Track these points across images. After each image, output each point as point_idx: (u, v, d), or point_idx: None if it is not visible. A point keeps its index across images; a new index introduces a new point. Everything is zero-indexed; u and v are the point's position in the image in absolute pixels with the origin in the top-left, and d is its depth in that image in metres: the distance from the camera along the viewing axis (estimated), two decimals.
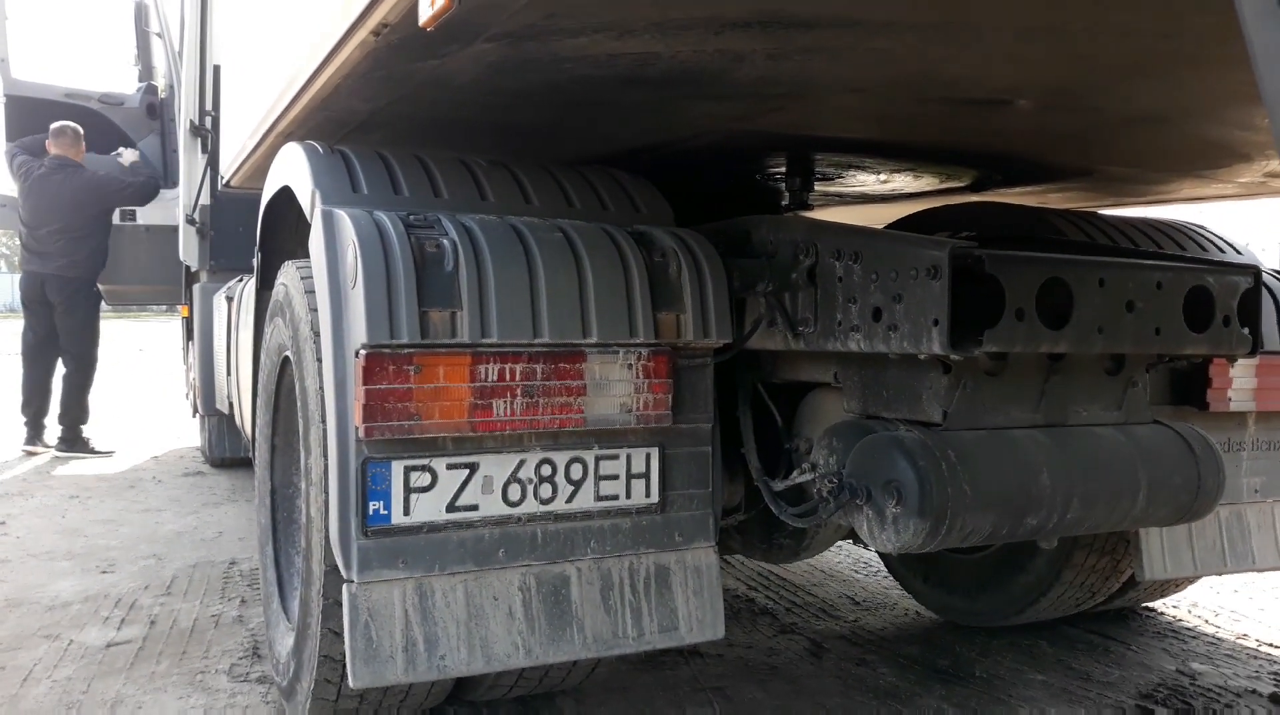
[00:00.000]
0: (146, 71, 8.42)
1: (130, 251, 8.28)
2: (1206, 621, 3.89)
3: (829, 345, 2.42)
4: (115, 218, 8.09)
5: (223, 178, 4.72)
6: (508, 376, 2.17)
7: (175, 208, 8.21)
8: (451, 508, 2.19)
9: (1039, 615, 3.52)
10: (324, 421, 2.25)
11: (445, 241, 2.20)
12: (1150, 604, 3.92)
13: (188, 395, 8.14)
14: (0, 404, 9.14)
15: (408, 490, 2.15)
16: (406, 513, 2.16)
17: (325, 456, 2.22)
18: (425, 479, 2.17)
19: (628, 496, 2.36)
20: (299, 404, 2.54)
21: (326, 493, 2.22)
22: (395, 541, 2.15)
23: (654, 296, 2.33)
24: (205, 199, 6.30)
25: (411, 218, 2.27)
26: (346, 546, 2.12)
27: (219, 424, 6.66)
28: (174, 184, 8.23)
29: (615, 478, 2.34)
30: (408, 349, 2.08)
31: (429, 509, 2.17)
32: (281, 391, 3.11)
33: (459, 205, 2.47)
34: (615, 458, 2.34)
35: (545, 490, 2.28)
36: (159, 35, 8.36)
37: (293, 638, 2.67)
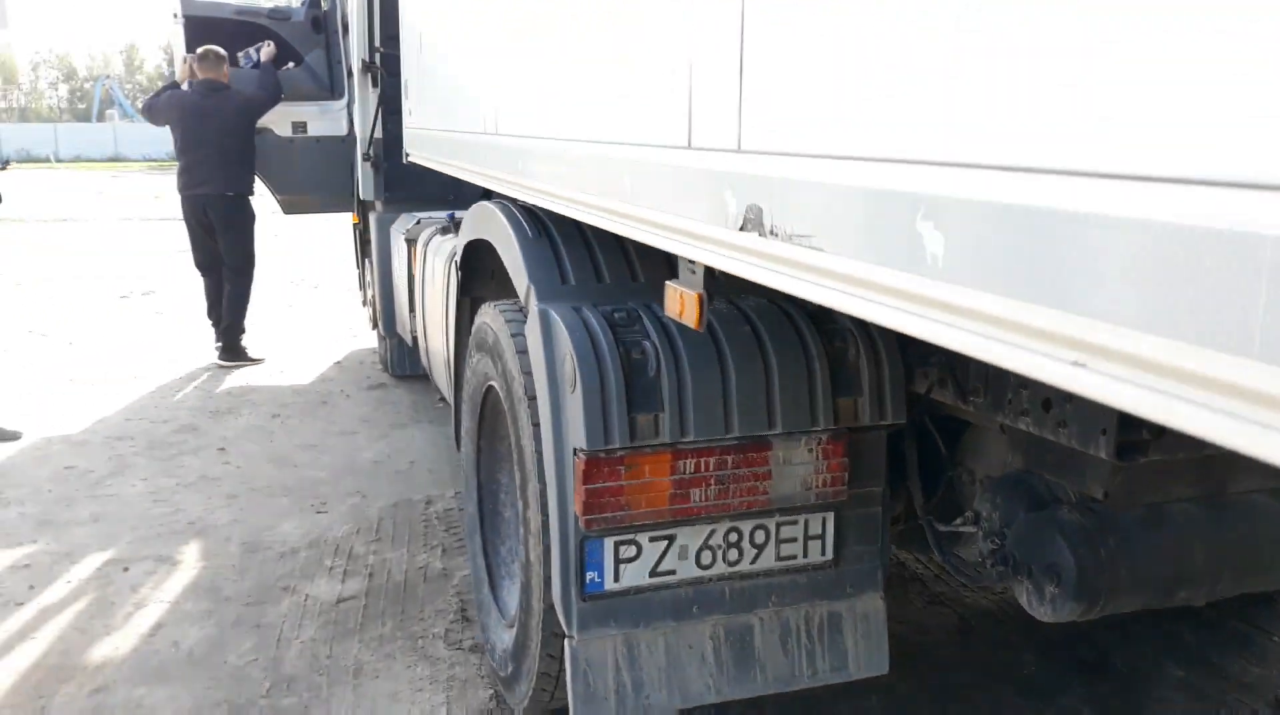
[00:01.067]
0: None
1: (303, 161, 8.72)
2: None
3: (998, 418, 2.59)
4: (288, 130, 8.56)
5: (406, 154, 5.00)
6: (703, 468, 2.44)
7: (342, 118, 8.64)
8: (653, 573, 2.52)
9: (1183, 603, 3.69)
10: (543, 490, 2.58)
11: (647, 345, 2.44)
12: None
13: (364, 303, 8.71)
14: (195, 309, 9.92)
15: (617, 561, 2.49)
16: (616, 580, 2.50)
17: (546, 529, 2.57)
18: (631, 551, 2.49)
19: (805, 555, 2.64)
20: (514, 453, 2.88)
21: (548, 561, 2.58)
22: (608, 604, 2.50)
23: (834, 383, 2.53)
24: (379, 133, 6.62)
25: (616, 315, 2.51)
26: (568, 609, 2.48)
27: (399, 344, 7.16)
28: (340, 95, 8.63)
29: (794, 540, 2.62)
30: (619, 452, 2.37)
31: (635, 575, 2.51)
32: (486, 407, 3.46)
33: (653, 288, 2.69)
34: (794, 523, 2.61)
35: (732, 554, 2.58)
36: None
37: (509, 639, 3.10)
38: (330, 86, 8.66)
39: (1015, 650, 3.63)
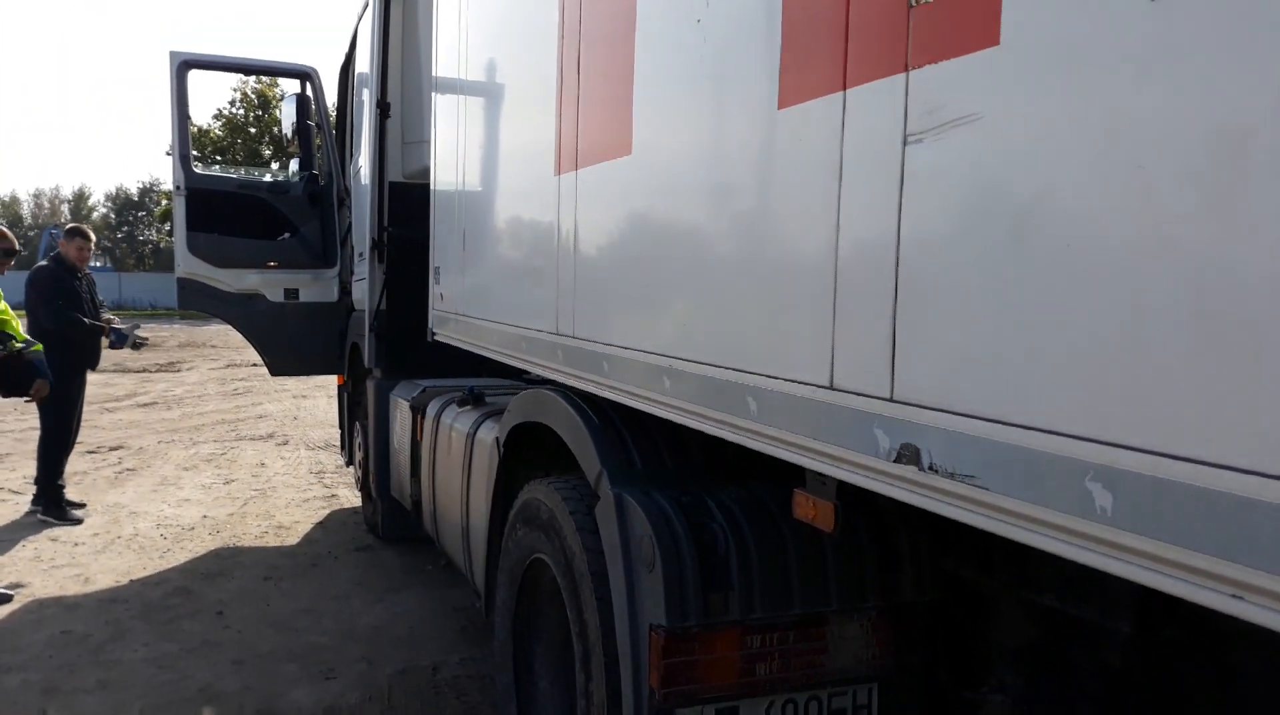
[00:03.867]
0: (307, 160, 9.12)
1: (293, 325, 9.00)
2: None
3: (1021, 594, 2.87)
4: (280, 296, 8.90)
5: (433, 333, 5.31)
6: (768, 644, 2.68)
7: (334, 286, 9.00)
8: None
9: None
10: (615, 668, 2.78)
11: (715, 527, 2.71)
12: None
13: (349, 464, 8.85)
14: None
15: None
16: None
17: (620, 700, 2.75)
18: None
19: None
20: (575, 627, 3.08)
21: None
22: None
23: (880, 562, 2.81)
24: (383, 306, 6.97)
25: (684, 500, 2.78)
26: None
27: (392, 506, 7.30)
28: (332, 263, 9.00)
29: (844, 711, 2.84)
30: (694, 628, 2.60)
31: None
32: (527, 580, 3.66)
33: (712, 472, 2.98)
34: (844, 694, 2.83)
35: None
36: (318, 127, 9.06)
37: None
38: (323, 255, 9.04)
39: None
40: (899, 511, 2.88)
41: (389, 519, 7.44)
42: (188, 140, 8.68)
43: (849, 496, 1.94)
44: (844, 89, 1.69)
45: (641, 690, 2.66)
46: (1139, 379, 1.14)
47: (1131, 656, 2.72)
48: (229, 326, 9.19)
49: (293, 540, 7.81)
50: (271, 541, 7.75)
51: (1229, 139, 1.06)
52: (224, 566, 7.04)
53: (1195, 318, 1.09)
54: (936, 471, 1.45)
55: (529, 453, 4.06)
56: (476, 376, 6.12)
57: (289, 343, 9.04)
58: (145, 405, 15.45)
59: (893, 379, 1.55)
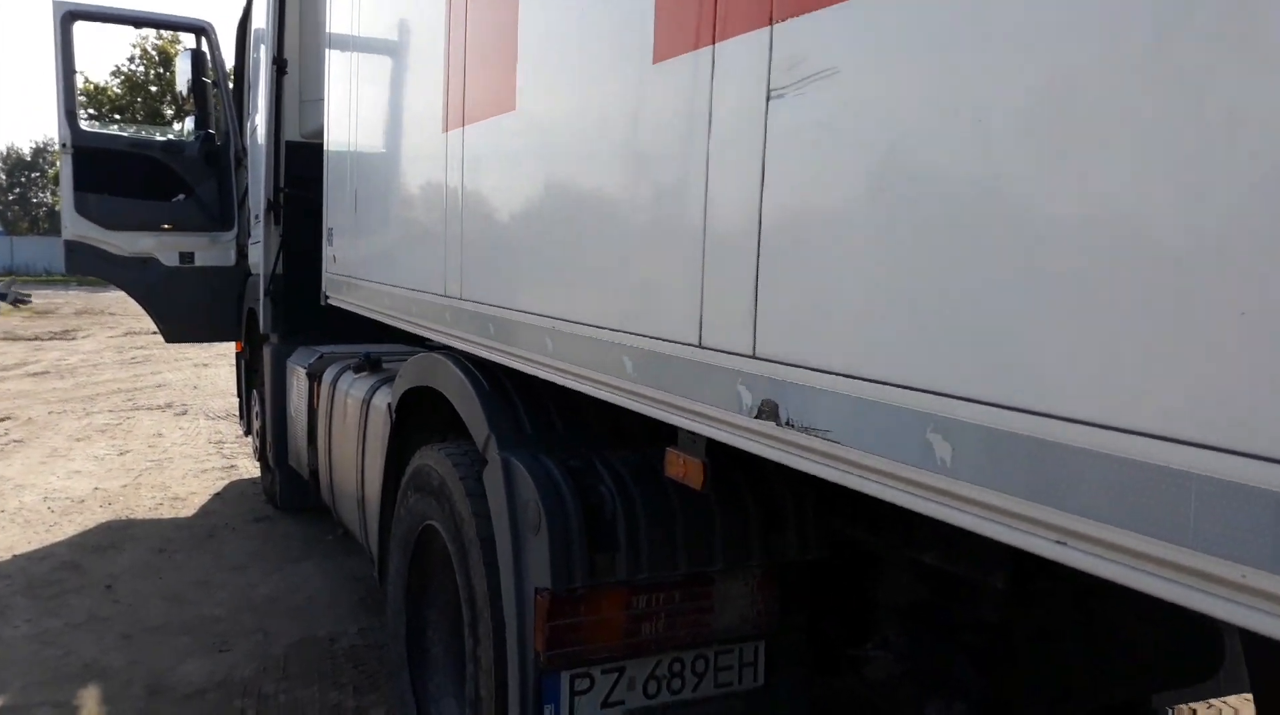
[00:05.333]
0: (203, 119, 8.80)
1: (189, 290, 8.73)
2: (1209, 704, 4.45)
3: (904, 552, 2.93)
4: (174, 259, 8.61)
5: (325, 296, 5.19)
6: (654, 604, 2.69)
7: (231, 249, 8.74)
8: (604, 704, 2.72)
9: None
10: (501, 631, 2.76)
11: (604, 489, 2.70)
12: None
13: (248, 433, 8.64)
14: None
15: (572, 694, 2.68)
16: (571, 712, 2.69)
17: (506, 663, 2.74)
18: (585, 684, 2.70)
19: (740, 682, 2.89)
20: (463, 592, 3.05)
21: (501, 695, 2.75)
22: None
23: (765, 522, 2.84)
24: (280, 270, 6.79)
25: (573, 464, 2.77)
26: None
27: (290, 476, 7.15)
28: (229, 226, 8.73)
29: (730, 668, 2.87)
30: (580, 590, 2.60)
31: (588, 707, 2.70)
32: (420, 547, 3.61)
33: (602, 437, 2.97)
34: (730, 652, 2.87)
35: (676, 683, 2.80)
36: (215, 84, 8.74)
37: None
38: (220, 217, 8.76)
39: None
40: (781, 472, 2.91)
41: (287, 489, 7.29)
42: (74, 95, 8.30)
43: (719, 455, 1.95)
44: (714, 43, 1.67)
45: (527, 653, 2.65)
46: (976, 332, 1.16)
47: (1007, 610, 2.81)
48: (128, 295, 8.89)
49: (188, 512, 7.61)
50: (166, 513, 7.54)
51: (1059, 92, 1.07)
52: (115, 539, 6.83)
53: (1027, 270, 1.11)
54: (793, 426, 1.46)
55: (425, 419, 4.00)
56: (378, 343, 6.01)
57: (184, 308, 8.76)
58: (36, 374, 14.88)
59: (755, 336, 1.56)
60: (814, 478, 2.97)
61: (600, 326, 2.09)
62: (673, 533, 2.72)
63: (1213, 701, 4.48)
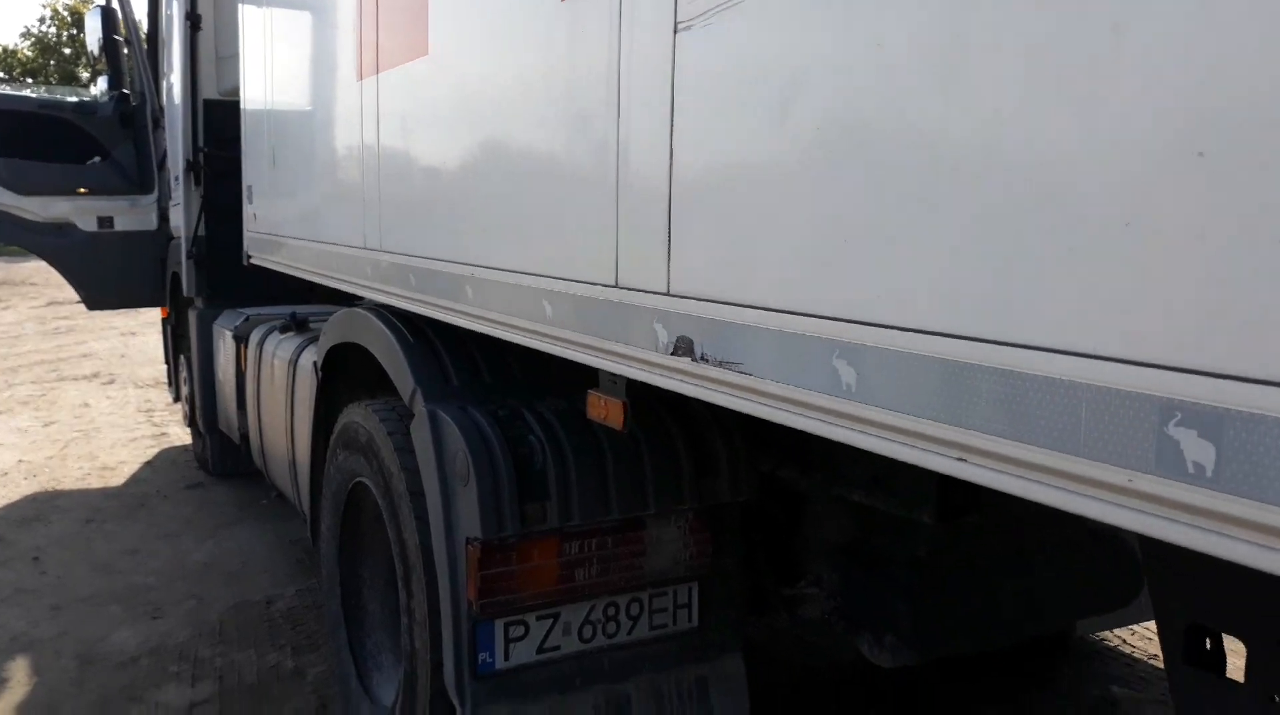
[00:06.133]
0: (117, 79, 8.48)
1: (109, 256, 8.48)
2: (1124, 642, 4.62)
3: (834, 491, 2.98)
4: (93, 224, 8.33)
5: (248, 256, 5.07)
6: (586, 550, 2.70)
7: (152, 213, 8.48)
8: (540, 650, 2.74)
9: (990, 648, 4.18)
10: (434, 584, 2.76)
11: (533, 439, 2.69)
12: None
13: (176, 400, 8.47)
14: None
15: (507, 641, 2.69)
16: (506, 659, 2.70)
17: (439, 614, 2.74)
18: (520, 631, 2.71)
19: (674, 623, 2.92)
20: (395, 547, 3.03)
21: (437, 646, 2.75)
22: (499, 682, 2.69)
23: (696, 466, 2.86)
24: (202, 232, 6.62)
25: (501, 413, 2.75)
26: (461, 690, 2.66)
27: (220, 442, 7.03)
28: (149, 189, 8.47)
29: (665, 610, 2.90)
30: (511, 539, 2.60)
31: (523, 653, 2.72)
32: (351, 504, 3.58)
33: (530, 387, 2.95)
34: (665, 594, 2.90)
35: (611, 627, 2.83)
36: (128, 42, 8.44)
37: None
38: (139, 180, 8.49)
39: (849, 702, 4.01)
40: (711, 412, 2.94)
41: (219, 454, 7.18)
42: None
43: (640, 395, 1.95)
44: None
45: (460, 603, 2.64)
46: (878, 257, 1.17)
47: (935, 545, 2.87)
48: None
49: (118, 481, 7.46)
50: (95, 483, 7.38)
51: (953, 11, 1.07)
52: (41, 511, 6.68)
53: (926, 193, 1.11)
54: (708, 361, 1.47)
55: (353, 377, 3.95)
56: (306, 304, 5.91)
57: (106, 275, 8.50)
58: None
59: (669, 275, 1.55)
60: (742, 421, 2.99)
61: (519, 271, 2.07)
62: (603, 479, 2.72)
63: (1135, 628, 4.65)
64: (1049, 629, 3.18)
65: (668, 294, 1.55)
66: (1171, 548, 0.89)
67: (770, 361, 1.34)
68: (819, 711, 3.97)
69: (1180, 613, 1.22)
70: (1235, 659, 1.34)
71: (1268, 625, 1.14)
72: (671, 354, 1.55)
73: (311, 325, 4.95)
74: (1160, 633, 1.27)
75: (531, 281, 2.02)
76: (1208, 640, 1.26)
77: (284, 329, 5.08)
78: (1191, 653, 1.23)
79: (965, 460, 1.06)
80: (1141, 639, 4.64)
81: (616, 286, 1.70)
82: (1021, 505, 2.54)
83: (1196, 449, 0.84)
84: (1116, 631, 4.70)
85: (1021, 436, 0.99)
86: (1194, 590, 1.21)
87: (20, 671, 4.32)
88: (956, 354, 1.06)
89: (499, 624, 2.67)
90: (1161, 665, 4.31)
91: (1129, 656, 4.47)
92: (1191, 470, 0.85)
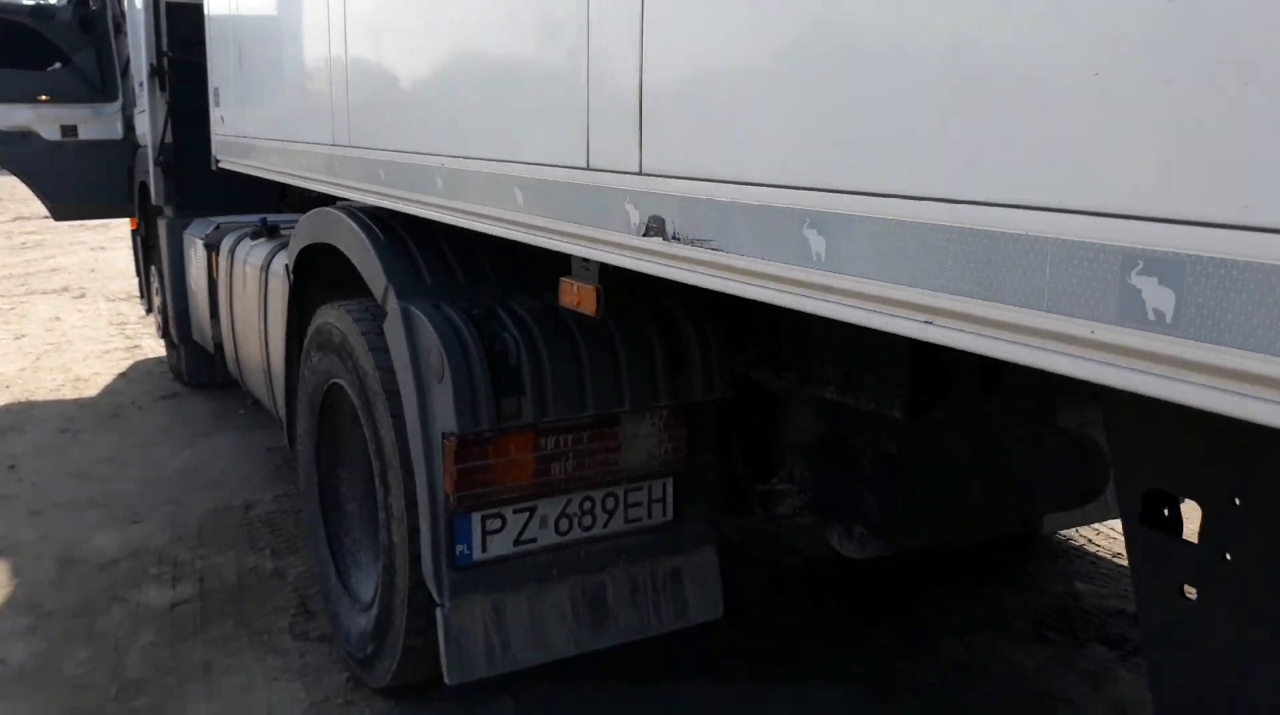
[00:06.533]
0: None
1: (75, 166, 8.31)
2: (1090, 541, 4.74)
3: (806, 390, 3.01)
4: (57, 133, 8.14)
5: (216, 160, 4.98)
6: (562, 445, 2.73)
7: (117, 121, 8.29)
8: (517, 542, 2.79)
9: (958, 546, 4.29)
10: (411, 479, 2.78)
11: (507, 336, 2.70)
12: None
13: (149, 311, 8.39)
14: None
15: (484, 533, 2.74)
16: (484, 550, 2.75)
17: (416, 508, 2.77)
18: (497, 524, 2.75)
19: (649, 517, 2.97)
20: (371, 445, 3.05)
21: (414, 540, 2.79)
22: (476, 573, 2.74)
23: (671, 363, 2.88)
24: (169, 139, 6.49)
25: (474, 311, 2.75)
26: (439, 580, 2.71)
27: (194, 352, 7.00)
28: (113, 96, 8.27)
29: (640, 505, 2.95)
30: (487, 433, 2.62)
31: (501, 545, 2.77)
32: (327, 406, 3.59)
33: (504, 285, 2.95)
34: (640, 489, 2.94)
35: (586, 520, 2.88)
36: None
37: (366, 622, 3.27)
38: (103, 88, 8.27)
39: (821, 598, 4.11)
40: (686, 313, 2.95)
41: (194, 364, 7.15)
42: None
43: (611, 283, 1.95)
44: None
45: (437, 497, 2.68)
46: (845, 127, 1.16)
47: (905, 441, 2.92)
48: (17, 179, 8.42)
49: (92, 392, 7.43)
50: (69, 394, 7.35)
51: None
52: (15, 421, 6.65)
53: (890, 58, 1.10)
54: (679, 240, 1.46)
55: (325, 281, 3.92)
56: (278, 211, 5.83)
57: (72, 184, 8.33)
58: None
59: (641, 154, 1.54)
60: (716, 319, 3.00)
61: (490, 158, 2.05)
62: (578, 375, 2.74)
63: (1100, 528, 4.77)
64: (1015, 523, 3.25)
65: (639, 173, 1.54)
66: (1132, 412, 0.91)
67: (741, 236, 1.34)
68: (791, 606, 4.07)
69: (1139, 477, 1.26)
70: (1190, 525, 1.38)
71: (1221, 487, 1.17)
72: (643, 235, 1.54)
73: (283, 231, 4.89)
74: (1119, 497, 1.30)
75: (502, 168, 2.00)
76: (1165, 509, 1.29)
77: (255, 235, 5.03)
78: (1149, 516, 1.26)
79: (931, 323, 1.07)
80: (1106, 539, 4.76)
81: (588, 168, 1.68)
82: (988, 400, 2.57)
83: (1157, 296, 0.85)
84: (1082, 531, 4.82)
85: (987, 295, 1.00)
86: (1152, 455, 1.24)
87: (1, 574, 4.35)
88: (924, 216, 1.06)
89: (476, 517, 2.71)
90: (1125, 563, 4.44)
91: (1094, 555, 4.59)
92: (1152, 317, 0.86)
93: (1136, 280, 0.87)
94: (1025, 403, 3.14)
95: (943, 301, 1.05)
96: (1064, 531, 4.80)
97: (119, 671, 3.56)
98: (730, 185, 1.35)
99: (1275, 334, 0.76)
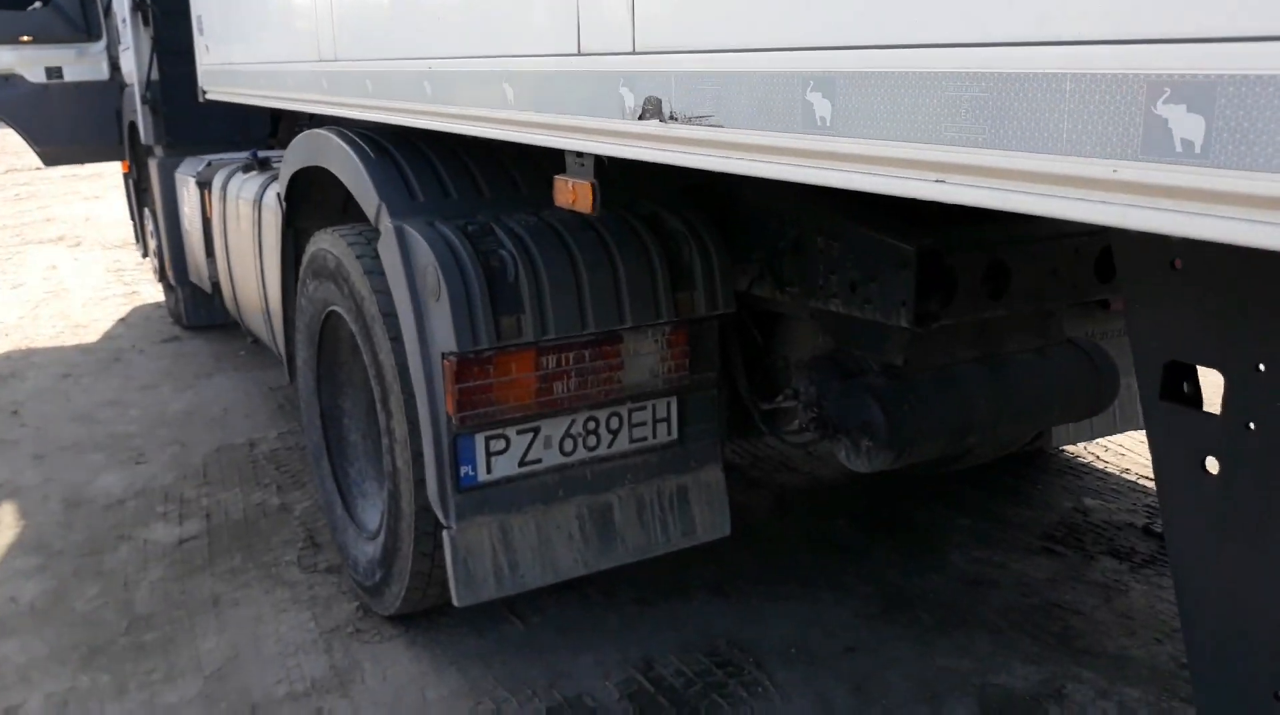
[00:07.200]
0: None
1: (62, 109, 8.19)
2: (1098, 458, 4.72)
3: (810, 303, 2.96)
4: (42, 75, 8.00)
5: (203, 92, 4.88)
6: (564, 363, 2.69)
7: (103, 61, 8.14)
8: (522, 463, 2.76)
9: (965, 465, 4.27)
10: (412, 402, 2.75)
11: (504, 253, 2.64)
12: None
13: (145, 255, 8.32)
14: None
15: (488, 454, 2.71)
16: (489, 472, 2.72)
17: (419, 432, 2.73)
18: (501, 444, 2.72)
19: (654, 437, 2.94)
20: (371, 369, 3.01)
21: (418, 463, 2.76)
22: (482, 495, 2.72)
23: (672, 280, 2.82)
24: (155, 75, 6.36)
25: (470, 228, 2.69)
26: (445, 502, 2.68)
27: (193, 294, 6.95)
28: (97, 36, 8.11)
29: (644, 424, 2.92)
30: (487, 352, 2.58)
31: (505, 466, 2.74)
32: (326, 335, 3.55)
33: (499, 202, 2.88)
34: (644, 408, 2.91)
35: (591, 440, 2.84)
36: None
37: (373, 550, 3.26)
38: (86, 27, 8.11)
39: (827, 518, 4.10)
40: (689, 228, 2.88)
41: (192, 306, 7.10)
42: None
43: (606, 176, 1.89)
44: None
45: (439, 418, 2.64)
46: None
47: (910, 351, 2.87)
48: (7, 130, 8.30)
49: (92, 338, 7.40)
50: (69, 341, 7.32)
51: None
52: (16, 368, 6.63)
53: None
54: (676, 120, 1.40)
55: (321, 211, 3.86)
56: (269, 148, 5.74)
57: (60, 127, 8.21)
58: None
59: (634, 30, 1.47)
60: (718, 232, 2.93)
61: (478, 56, 1.98)
62: (578, 293, 2.69)
63: (1108, 444, 4.75)
64: (1023, 433, 3.22)
65: (633, 53, 1.48)
66: (1150, 280, 0.86)
67: (741, 108, 1.28)
68: (797, 526, 4.06)
69: (1158, 349, 1.21)
70: (1212, 400, 1.34)
71: (1245, 354, 1.12)
72: (639, 119, 1.48)
73: (274, 164, 4.81)
74: (1137, 373, 1.26)
75: (491, 64, 1.93)
76: (1185, 383, 1.25)
77: (247, 169, 4.95)
78: (1169, 390, 1.22)
79: (943, 180, 1.01)
80: (1114, 455, 4.74)
81: (579, 53, 1.62)
82: (994, 308, 2.49)
83: (1185, 125, 0.80)
84: (1090, 447, 4.80)
85: (1002, 143, 0.95)
86: (1172, 325, 1.20)
87: (7, 516, 4.35)
88: (934, 64, 1.00)
89: (479, 438, 2.67)
90: (1134, 479, 4.42)
91: (1102, 471, 4.57)
92: (1180, 148, 0.81)
93: (1163, 109, 0.81)
94: (1032, 312, 3.09)
95: (956, 155, 0.99)
96: (1072, 448, 4.78)
97: (129, 606, 3.57)
98: (728, 54, 1.28)
99: None
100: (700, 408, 2.99)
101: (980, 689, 2.98)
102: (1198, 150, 0.79)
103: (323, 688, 3.06)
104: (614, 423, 2.86)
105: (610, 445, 2.87)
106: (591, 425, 2.83)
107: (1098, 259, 2.96)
